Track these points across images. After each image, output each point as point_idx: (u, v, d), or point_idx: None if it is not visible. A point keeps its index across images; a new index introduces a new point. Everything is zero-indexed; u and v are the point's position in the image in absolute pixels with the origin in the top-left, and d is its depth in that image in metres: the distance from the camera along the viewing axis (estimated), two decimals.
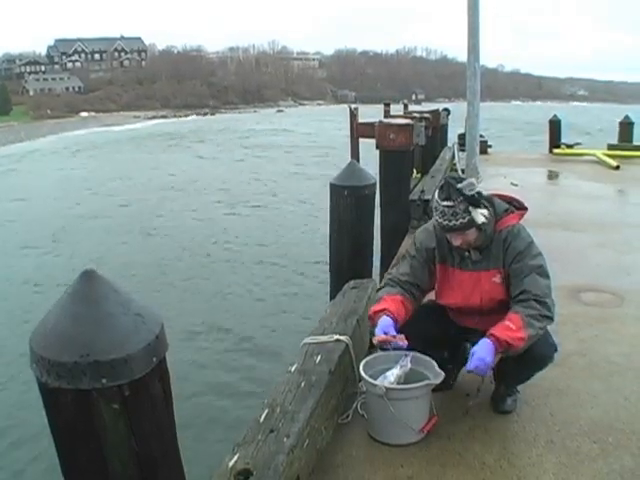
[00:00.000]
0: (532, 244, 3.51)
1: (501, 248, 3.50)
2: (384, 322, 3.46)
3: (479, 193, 3.38)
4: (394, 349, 3.44)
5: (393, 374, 3.40)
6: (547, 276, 3.47)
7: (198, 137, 56.76)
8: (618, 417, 3.68)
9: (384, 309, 3.52)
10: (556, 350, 3.50)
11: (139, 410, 1.82)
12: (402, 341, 3.40)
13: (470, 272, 3.58)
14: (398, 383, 3.36)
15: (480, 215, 3.35)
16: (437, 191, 3.45)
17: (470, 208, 3.33)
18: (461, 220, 3.34)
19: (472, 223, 3.35)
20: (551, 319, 3.38)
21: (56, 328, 1.74)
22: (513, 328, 3.25)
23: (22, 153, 46.05)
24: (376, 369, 3.57)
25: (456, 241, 3.47)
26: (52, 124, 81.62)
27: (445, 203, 3.36)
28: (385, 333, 3.41)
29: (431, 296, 3.91)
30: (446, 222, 3.39)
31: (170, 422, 2.00)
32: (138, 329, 1.78)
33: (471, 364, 3.23)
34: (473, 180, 3.40)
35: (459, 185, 3.34)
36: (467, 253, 3.56)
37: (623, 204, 11.74)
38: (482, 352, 3.22)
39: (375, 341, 3.46)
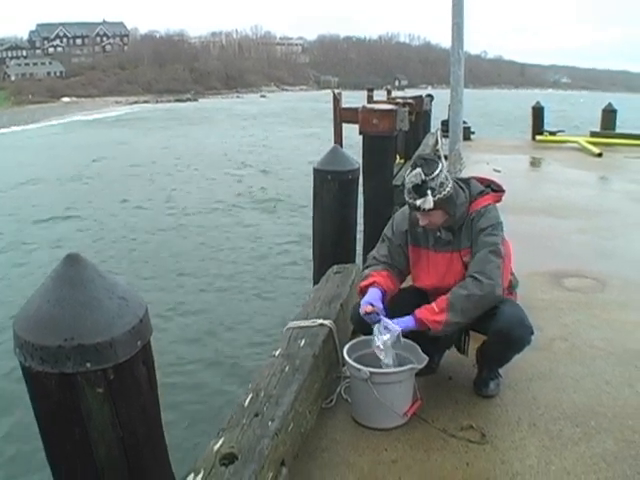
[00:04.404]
0: (495, 224, 3.53)
1: (470, 228, 3.54)
2: (371, 293, 3.56)
3: (424, 181, 3.36)
4: (375, 322, 3.45)
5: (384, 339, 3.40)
6: (498, 255, 3.47)
7: None
8: (600, 401, 3.71)
9: (373, 282, 3.61)
10: (532, 333, 3.50)
11: (124, 394, 1.82)
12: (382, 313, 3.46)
13: (443, 253, 3.62)
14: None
15: (428, 202, 3.36)
16: (408, 169, 3.49)
17: (428, 191, 3.36)
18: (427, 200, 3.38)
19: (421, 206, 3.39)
20: (485, 298, 3.39)
21: (40, 312, 1.73)
22: (435, 310, 3.39)
23: None
24: (360, 353, 3.59)
25: (422, 221, 3.52)
26: (33, 109, 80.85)
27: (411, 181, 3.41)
28: (371, 305, 3.45)
29: (410, 281, 3.93)
30: (410, 200, 3.45)
31: (155, 406, 2.00)
32: (122, 313, 1.78)
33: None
34: (418, 171, 3.39)
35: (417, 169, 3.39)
36: (438, 233, 3.60)
37: (605, 191, 11.78)
38: (401, 322, 3.42)
39: (362, 311, 3.47)
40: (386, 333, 3.38)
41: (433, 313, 3.38)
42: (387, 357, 3.37)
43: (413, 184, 3.37)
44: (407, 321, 3.42)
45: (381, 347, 3.36)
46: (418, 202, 3.38)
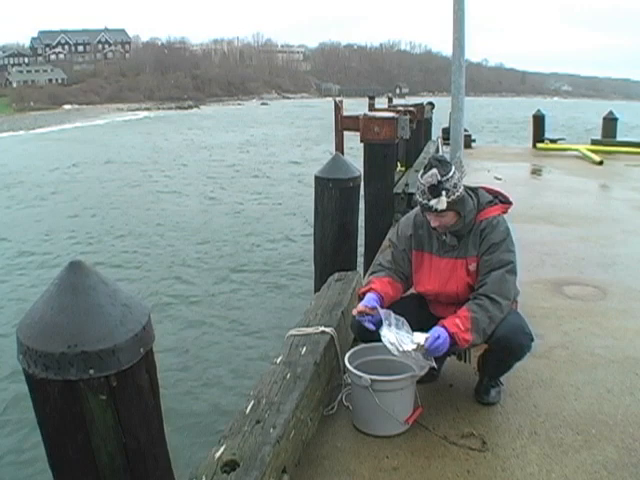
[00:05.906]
0: (508, 238, 3.55)
1: (478, 237, 3.54)
2: (367, 298, 3.55)
3: (440, 182, 3.36)
4: (370, 322, 3.44)
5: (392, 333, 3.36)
6: (514, 273, 3.53)
7: None
8: (601, 409, 3.71)
9: (370, 288, 3.62)
10: (532, 340, 3.52)
11: (126, 401, 1.82)
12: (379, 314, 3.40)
13: (447, 259, 3.62)
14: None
15: (442, 202, 3.37)
16: (422, 170, 3.50)
17: (442, 192, 3.37)
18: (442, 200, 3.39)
19: (434, 206, 3.39)
20: (502, 318, 3.43)
21: (43, 319, 1.72)
22: (462, 329, 3.32)
23: None
24: (361, 360, 3.60)
25: (434, 222, 3.51)
26: (35, 116, 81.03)
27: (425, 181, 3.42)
28: (365, 306, 3.46)
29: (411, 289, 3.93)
30: (424, 201, 3.43)
31: (157, 413, 2.00)
32: (125, 320, 1.77)
33: (437, 343, 3.26)
34: (434, 171, 3.40)
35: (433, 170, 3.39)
36: (444, 237, 3.60)
37: (606, 198, 11.80)
38: (437, 344, 3.26)
39: (354, 312, 3.49)
40: (403, 338, 3.33)
41: (461, 331, 3.31)
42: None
43: (429, 184, 3.36)
44: (442, 341, 3.27)
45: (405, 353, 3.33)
46: (432, 202, 3.37)
